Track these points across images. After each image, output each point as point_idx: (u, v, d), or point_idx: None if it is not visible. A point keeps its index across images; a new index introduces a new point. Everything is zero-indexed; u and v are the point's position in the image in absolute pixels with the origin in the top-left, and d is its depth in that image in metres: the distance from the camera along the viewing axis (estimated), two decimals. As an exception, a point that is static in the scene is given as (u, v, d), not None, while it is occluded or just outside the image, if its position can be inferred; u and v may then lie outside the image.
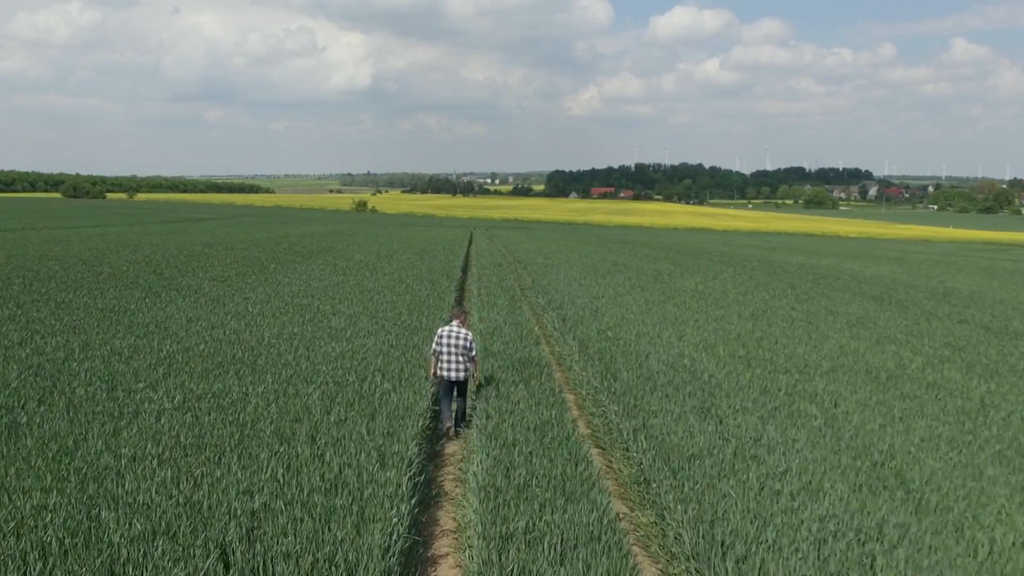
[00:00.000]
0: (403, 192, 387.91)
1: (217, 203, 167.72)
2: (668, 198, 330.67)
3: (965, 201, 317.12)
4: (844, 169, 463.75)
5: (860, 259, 49.06)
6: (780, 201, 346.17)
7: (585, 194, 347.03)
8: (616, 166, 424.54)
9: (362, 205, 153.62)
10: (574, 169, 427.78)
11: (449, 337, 10.27)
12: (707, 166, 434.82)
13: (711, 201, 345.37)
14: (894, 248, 71.94)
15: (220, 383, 10.66)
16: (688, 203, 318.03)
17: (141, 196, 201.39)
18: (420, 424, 9.30)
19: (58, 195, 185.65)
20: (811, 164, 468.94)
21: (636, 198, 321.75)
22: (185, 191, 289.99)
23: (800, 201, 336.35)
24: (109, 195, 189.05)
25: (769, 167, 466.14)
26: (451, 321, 10.63)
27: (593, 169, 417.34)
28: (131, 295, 18.62)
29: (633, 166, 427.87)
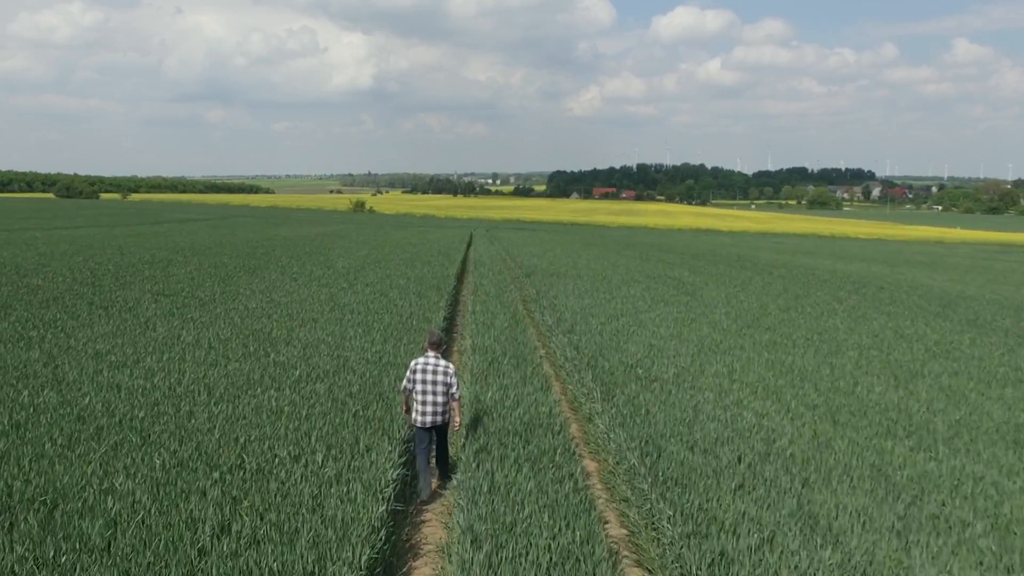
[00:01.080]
0: (404, 192, 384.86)
1: (213, 203, 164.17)
2: (670, 198, 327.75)
3: (970, 202, 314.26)
4: (847, 169, 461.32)
5: (889, 264, 45.50)
6: (783, 202, 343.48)
7: (587, 194, 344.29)
8: (618, 166, 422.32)
9: (360, 205, 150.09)
10: (575, 169, 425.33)
11: (424, 372, 8.09)
12: (709, 166, 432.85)
13: (714, 201, 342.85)
14: (917, 252, 68.29)
15: (78, 470, 7.15)
16: (691, 203, 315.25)
17: (136, 196, 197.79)
18: (366, 553, 5.78)
19: (51, 195, 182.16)
20: (813, 164, 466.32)
21: (638, 198, 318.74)
22: (184, 191, 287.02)
23: (803, 202, 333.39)
24: (103, 195, 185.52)
25: (771, 167, 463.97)
26: (425, 351, 8.25)
27: (595, 169, 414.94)
28: (40, 315, 15.10)
29: (635, 166, 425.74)
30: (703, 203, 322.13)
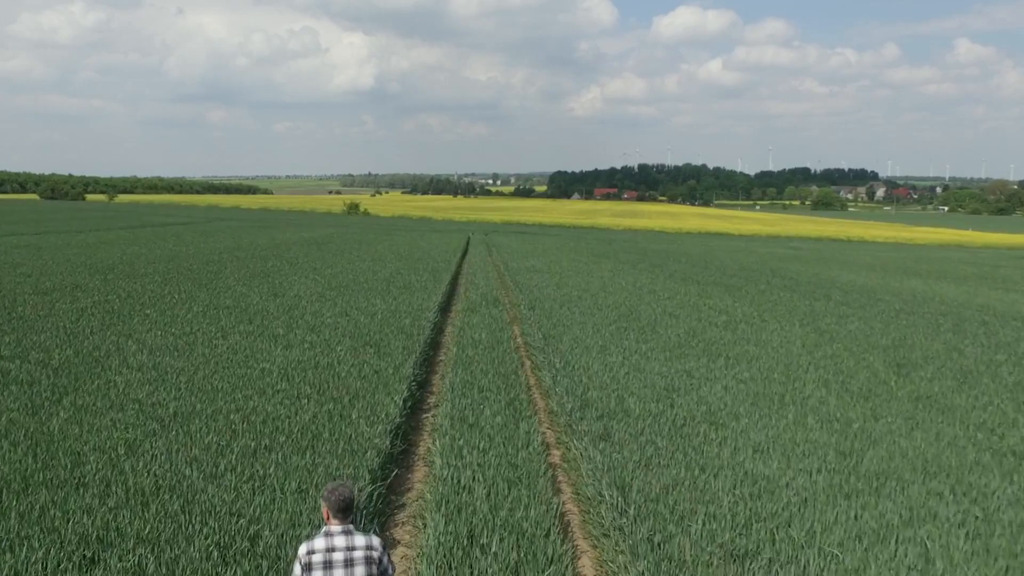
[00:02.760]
0: (403, 193, 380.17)
1: (202, 205, 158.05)
2: (672, 199, 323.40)
3: (976, 202, 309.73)
4: (849, 170, 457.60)
5: (949, 280, 39.46)
6: (787, 202, 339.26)
7: (588, 195, 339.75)
8: (619, 167, 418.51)
9: (354, 208, 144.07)
10: (576, 170, 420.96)
11: (329, 564, 4.52)
12: (711, 167, 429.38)
13: (716, 202, 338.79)
14: (964, 260, 62.14)
15: None
16: (694, 204, 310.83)
17: (126, 198, 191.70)
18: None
19: (36, 197, 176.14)
20: (815, 165, 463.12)
21: (640, 199, 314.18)
22: (181, 192, 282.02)
23: (807, 202, 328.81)
24: (89, 197, 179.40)
25: (773, 168, 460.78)
26: (327, 522, 4.61)
27: (596, 170, 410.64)
28: None
29: (636, 167, 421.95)
30: (706, 204, 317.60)
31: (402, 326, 15.88)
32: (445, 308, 19.93)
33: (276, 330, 15.79)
